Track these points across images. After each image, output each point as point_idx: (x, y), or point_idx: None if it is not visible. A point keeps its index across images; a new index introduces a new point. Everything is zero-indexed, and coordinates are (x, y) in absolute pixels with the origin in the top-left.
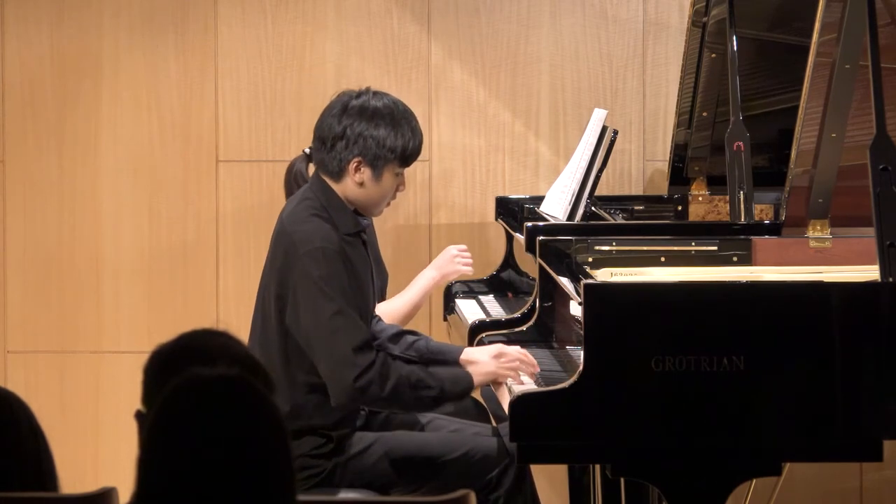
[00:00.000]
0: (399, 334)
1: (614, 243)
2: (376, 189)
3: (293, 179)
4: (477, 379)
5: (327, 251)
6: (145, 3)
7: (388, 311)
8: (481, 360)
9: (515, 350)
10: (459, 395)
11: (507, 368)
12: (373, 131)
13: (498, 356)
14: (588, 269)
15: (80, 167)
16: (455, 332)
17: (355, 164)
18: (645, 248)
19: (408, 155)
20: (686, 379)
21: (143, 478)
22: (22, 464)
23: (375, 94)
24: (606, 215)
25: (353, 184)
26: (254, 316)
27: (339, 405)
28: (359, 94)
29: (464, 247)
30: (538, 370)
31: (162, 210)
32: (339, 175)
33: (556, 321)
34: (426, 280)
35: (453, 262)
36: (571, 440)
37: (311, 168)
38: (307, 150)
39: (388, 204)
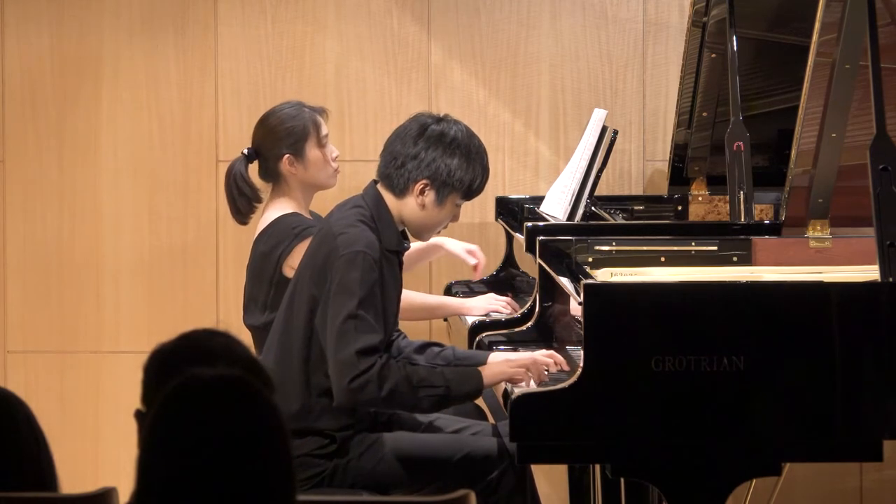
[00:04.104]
0: (424, 346)
1: (614, 243)
2: (435, 214)
3: (233, 181)
4: (487, 379)
5: (367, 257)
6: (145, 3)
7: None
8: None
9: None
10: (468, 394)
11: (519, 366)
12: (447, 159)
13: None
14: (588, 269)
15: (80, 167)
16: (455, 333)
17: (421, 186)
18: (645, 248)
19: (473, 190)
20: (686, 379)
21: (143, 478)
22: (22, 464)
23: (455, 123)
24: (606, 215)
25: (415, 204)
26: (279, 312)
27: (339, 405)
28: (438, 120)
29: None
30: (550, 373)
31: (162, 210)
32: (402, 192)
33: (556, 321)
34: (455, 300)
35: (490, 301)
36: (571, 440)
37: (251, 168)
38: (246, 151)
39: (439, 232)
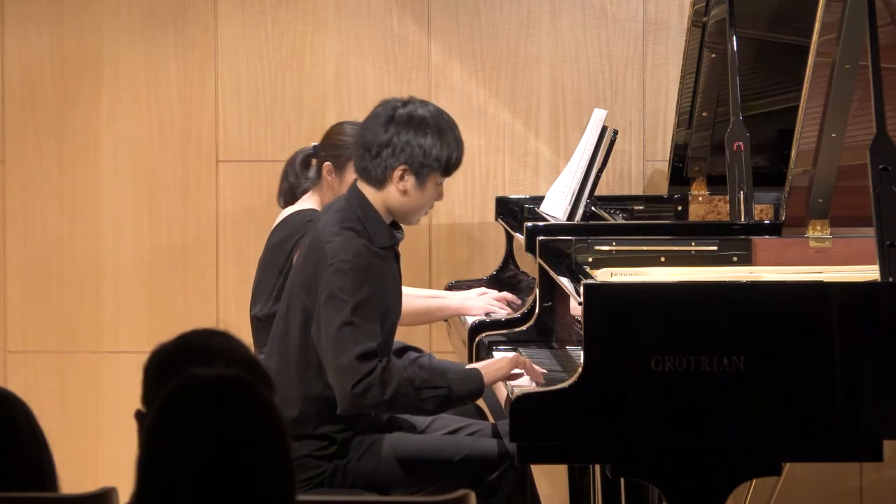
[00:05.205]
0: (403, 350)
1: (614, 243)
2: (418, 197)
3: (287, 164)
4: (488, 378)
5: (354, 266)
6: (145, 3)
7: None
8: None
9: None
10: (469, 394)
11: (512, 364)
12: (420, 140)
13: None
14: (588, 269)
15: (80, 167)
16: (455, 333)
17: (400, 172)
18: (645, 248)
19: (451, 165)
20: (686, 379)
21: (143, 478)
22: (22, 464)
23: (422, 103)
24: (606, 215)
25: (397, 192)
26: (275, 321)
27: (344, 412)
28: (405, 103)
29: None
30: (541, 377)
31: (162, 210)
32: (382, 182)
33: (556, 321)
34: (453, 302)
35: (489, 301)
36: (571, 440)
37: (314, 164)
38: (315, 145)
39: (426, 213)
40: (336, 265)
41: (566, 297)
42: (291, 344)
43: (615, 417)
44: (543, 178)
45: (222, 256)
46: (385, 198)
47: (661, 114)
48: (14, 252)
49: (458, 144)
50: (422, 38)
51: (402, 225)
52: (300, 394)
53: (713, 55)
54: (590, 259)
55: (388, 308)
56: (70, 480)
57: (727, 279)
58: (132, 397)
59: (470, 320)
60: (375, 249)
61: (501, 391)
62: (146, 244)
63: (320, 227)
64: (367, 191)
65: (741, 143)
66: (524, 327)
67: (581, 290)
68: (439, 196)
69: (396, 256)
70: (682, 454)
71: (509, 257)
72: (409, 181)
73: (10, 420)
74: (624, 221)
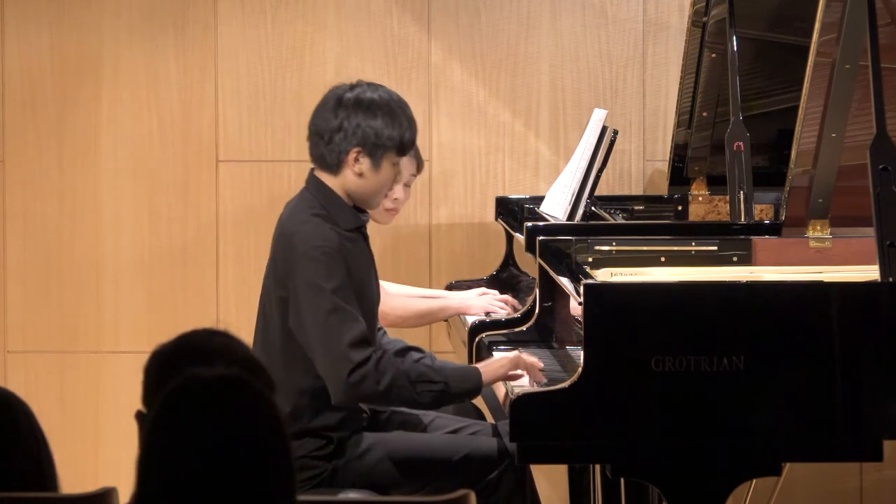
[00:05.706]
0: (404, 350)
1: (614, 243)
2: (375, 179)
3: None
4: (486, 377)
5: (326, 251)
6: (145, 3)
7: (399, 292)
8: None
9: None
10: (467, 392)
11: (512, 364)
12: (370, 122)
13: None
14: (588, 269)
15: (80, 167)
16: (455, 333)
17: (354, 155)
18: (645, 248)
19: (405, 144)
20: (686, 379)
21: (143, 478)
22: (22, 464)
23: (369, 85)
24: (606, 215)
25: (353, 175)
26: (257, 318)
27: (338, 403)
28: (352, 87)
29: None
30: (543, 377)
31: (162, 210)
32: (337, 167)
33: (556, 321)
34: (454, 303)
35: (489, 302)
36: (571, 440)
37: None
38: None
39: (386, 195)
40: (308, 253)
41: (566, 297)
42: (274, 339)
43: (615, 417)
44: (543, 178)
45: (222, 256)
46: (343, 182)
47: (661, 114)
48: (14, 252)
49: (411, 123)
50: (422, 38)
51: (365, 209)
52: (290, 388)
53: (713, 55)
54: (590, 259)
55: (364, 288)
56: (70, 480)
57: (727, 279)
58: (132, 397)
59: (470, 320)
60: (343, 232)
61: (501, 391)
62: (146, 244)
63: (285, 219)
64: (325, 177)
65: (741, 143)
66: (524, 327)
67: (581, 290)
68: (397, 177)
69: (365, 238)
70: (682, 454)
71: (509, 257)
72: (365, 163)
73: (10, 420)
74: (624, 221)
